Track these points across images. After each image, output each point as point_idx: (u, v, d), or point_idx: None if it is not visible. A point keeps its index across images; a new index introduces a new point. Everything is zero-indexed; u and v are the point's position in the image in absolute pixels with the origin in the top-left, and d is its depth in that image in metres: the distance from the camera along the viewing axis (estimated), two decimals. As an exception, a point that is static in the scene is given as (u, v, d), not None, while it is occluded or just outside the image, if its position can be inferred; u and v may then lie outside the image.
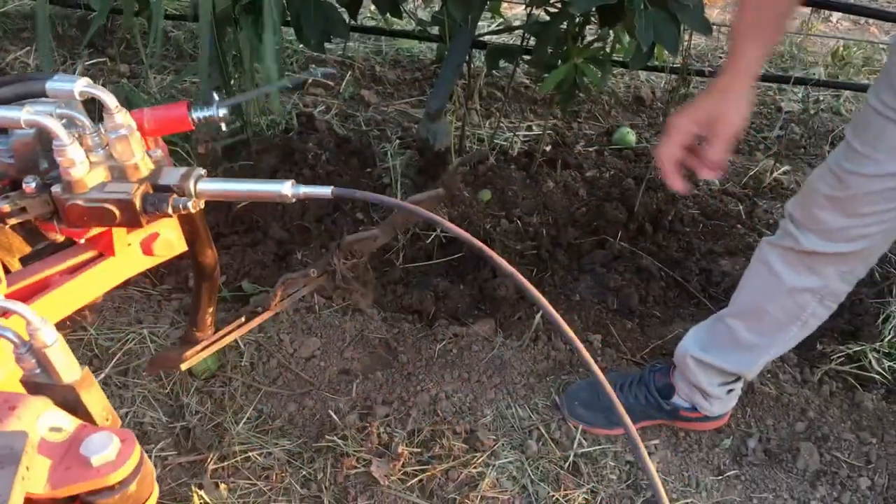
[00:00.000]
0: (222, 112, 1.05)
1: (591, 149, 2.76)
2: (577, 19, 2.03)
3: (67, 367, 0.81)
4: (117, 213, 0.90)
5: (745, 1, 1.22)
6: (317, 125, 2.68)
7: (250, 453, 1.74)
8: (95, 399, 0.86)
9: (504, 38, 2.76)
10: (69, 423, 0.80)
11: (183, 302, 2.09)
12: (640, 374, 1.85)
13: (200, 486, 1.68)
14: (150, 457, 1.74)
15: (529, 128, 2.81)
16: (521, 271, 2.12)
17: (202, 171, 0.93)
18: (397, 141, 2.65)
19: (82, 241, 1.02)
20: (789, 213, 1.50)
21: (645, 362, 2.00)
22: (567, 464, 1.76)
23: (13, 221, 0.95)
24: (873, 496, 1.74)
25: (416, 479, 1.70)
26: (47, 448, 0.77)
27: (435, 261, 2.27)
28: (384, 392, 1.88)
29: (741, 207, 2.53)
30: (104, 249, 1.01)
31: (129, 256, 1.04)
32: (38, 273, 0.99)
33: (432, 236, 2.26)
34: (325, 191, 0.86)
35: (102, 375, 1.88)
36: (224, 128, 1.09)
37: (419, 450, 1.75)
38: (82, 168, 0.88)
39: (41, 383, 0.81)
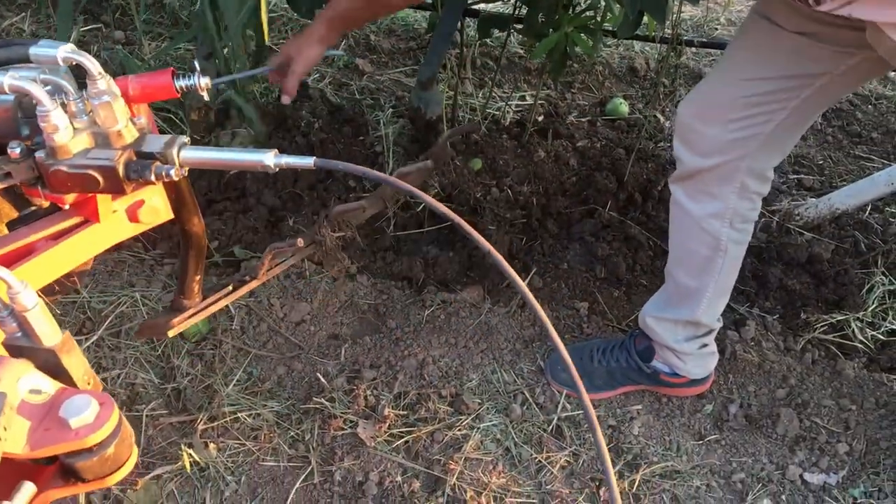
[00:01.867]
0: (204, 81, 1.06)
1: (583, 119, 2.77)
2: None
3: (48, 331, 0.82)
4: (100, 179, 0.91)
5: None
6: (310, 93, 2.68)
7: (239, 414, 1.78)
8: (76, 362, 0.87)
9: (497, 7, 2.75)
10: (49, 385, 0.82)
11: (175, 267, 2.11)
12: (623, 339, 1.88)
13: (190, 446, 1.72)
14: (140, 417, 1.78)
15: (522, 98, 2.81)
16: (510, 240, 2.15)
17: (185, 139, 0.94)
18: (390, 110, 2.66)
19: (66, 206, 1.03)
20: (674, 137, 1.58)
21: (630, 329, 2.02)
22: (550, 427, 1.79)
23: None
24: (851, 461, 1.77)
25: (401, 441, 1.74)
26: (27, 410, 0.78)
27: (426, 228, 2.29)
28: (372, 356, 1.90)
29: (731, 178, 2.54)
30: (89, 216, 1.02)
31: (114, 223, 1.05)
32: (23, 238, 1.00)
33: (423, 204, 2.28)
34: (308, 161, 0.87)
35: (95, 337, 1.91)
36: (205, 96, 1.11)
37: (405, 412, 1.78)
38: (66, 134, 0.89)
39: (23, 346, 0.82)
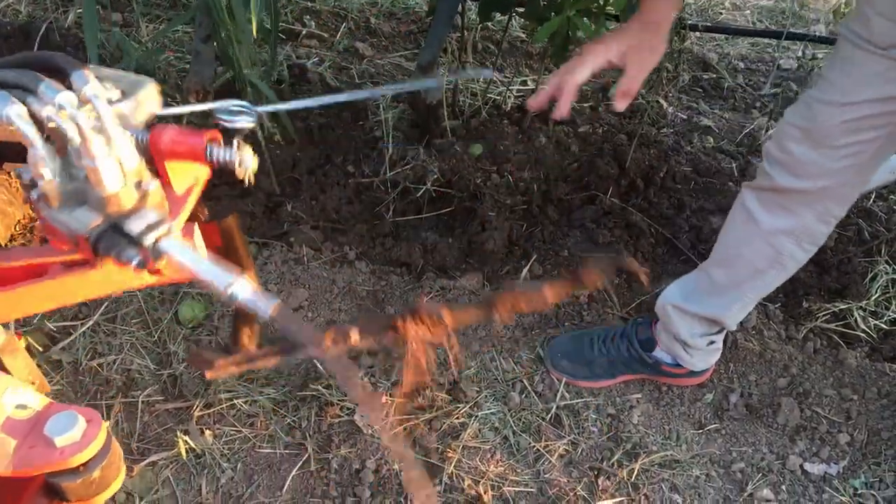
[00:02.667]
0: (246, 160, 0.88)
1: (585, 104, 2.74)
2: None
3: None
4: (72, 242, 0.82)
5: None
6: (309, 77, 2.66)
7: (236, 401, 1.76)
8: (20, 364, 0.85)
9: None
10: (36, 400, 0.79)
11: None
12: (624, 328, 1.86)
13: (186, 433, 1.71)
14: (136, 403, 1.76)
15: (524, 82, 2.78)
16: (510, 226, 2.13)
17: (171, 227, 0.81)
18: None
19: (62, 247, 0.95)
20: (765, 150, 1.50)
21: (631, 317, 2.00)
22: (549, 416, 1.78)
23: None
24: (852, 451, 1.76)
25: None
26: (11, 426, 0.76)
27: (425, 214, 2.27)
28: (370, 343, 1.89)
29: (734, 165, 2.52)
30: (90, 259, 0.88)
31: (118, 272, 0.90)
32: (39, 257, 0.92)
33: (422, 190, 2.25)
34: (266, 308, 0.74)
35: (91, 323, 1.89)
36: (243, 176, 0.90)
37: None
38: (53, 184, 0.80)
39: None
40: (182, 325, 1.90)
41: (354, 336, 1.03)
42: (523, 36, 3.05)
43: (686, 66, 2.99)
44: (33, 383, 0.88)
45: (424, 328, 1.04)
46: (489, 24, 2.90)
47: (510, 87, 2.69)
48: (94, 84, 0.79)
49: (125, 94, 0.88)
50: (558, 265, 2.13)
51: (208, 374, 1.24)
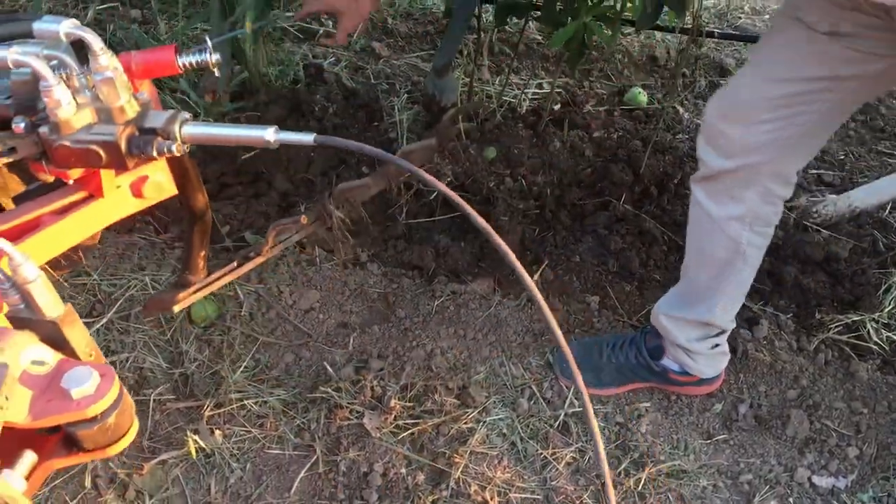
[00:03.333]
0: (215, 57, 1.04)
1: (601, 108, 2.73)
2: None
3: (50, 303, 0.83)
4: (103, 154, 0.91)
5: None
6: (325, 77, 2.67)
7: (246, 401, 1.78)
8: (78, 335, 0.88)
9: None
10: (51, 356, 0.82)
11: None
12: (633, 335, 1.86)
13: (196, 432, 1.72)
14: (148, 401, 1.78)
15: (540, 85, 2.78)
16: (522, 230, 2.13)
17: (187, 115, 0.94)
18: (406, 95, 2.63)
19: (71, 182, 1.03)
20: (698, 137, 1.53)
21: (641, 325, 2.00)
22: (557, 423, 1.78)
23: (3, 161, 0.96)
24: (861, 465, 1.75)
25: (407, 433, 1.73)
26: (29, 380, 0.79)
27: (437, 217, 2.27)
28: (380, 346, 1.90)
29: (749, 173, 2.50)
30: (93, 191, 1.01)
31: (118, 198, 1.04)
32: (29, 213, 0.99)
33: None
34: (308, 138, 0.88)
35: (105, 320, 1.91)
36: (216, 72, 1.07)
37: (411, 404, 1.78)
38: (68, 109, 0.89)
39: (26, 318, 0.83)
40: (194, 325, 1.92)
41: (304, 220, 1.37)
42: (540, 38, 3.04)
43: (703, 72, 2.98)
44: (91, 355, 0.91)
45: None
46: (506, 26, 2.90)
47: (525, 91, 2.68)
48: (69, 20, 0.91)
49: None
50: (570, 271, 2.13)
51: (175, 308, 1.36)
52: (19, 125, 0.94)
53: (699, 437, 1.80)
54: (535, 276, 2.06)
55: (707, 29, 2.69)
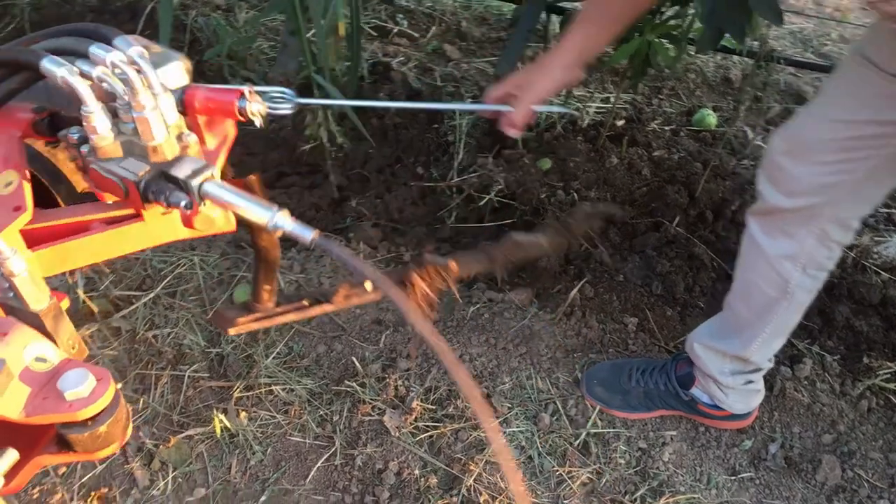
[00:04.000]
0: (285, 109, 1.02)
1: (666, 128, 2.68)
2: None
3: (34, 296, 0.84)
4: (123, 189, 0.90)
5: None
6: (392, 76, 2.70)
7: (274, 387, 1.82)
8: (61, 328, 0.90)
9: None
10: (55, 355, 0.85)
11: (237, 234, 2.17)
12: (664, 361, 1.83)
13: (224, 412, 1.78)
14: (183, 377, 1.84)
15: (606, 99, 2.75)
16: (569, 245, 2.11)
17: (213, 171, 0.89)
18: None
19: (109, 201, 1.04)
20: (758, 170, 1.49)
21: (676, 350, 1.96)
22: (577, 442, 1.76)
23: (68, 161, 1.00)
24: (892, 521, 1.68)
25: (426, 435, 1.74)
26: (29, 376, 0.81)
27: (486, 223, 2.27)
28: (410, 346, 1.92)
29: (814, 205, 2.42)
30: (138, 212, 1.00)
31: (164, 223, 1.02)
32: (81, 215, 1.01)
33: (486, 199, 2.26)
34: (308, 235, 0.82)
35: (152, 295, 1.99)
36: (258, 123, 0.99)
37: (433, 407, 1.79)
38: (105, 138, 0.89)
39: (13, 306, 0.86)
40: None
41: (369, 289, 1.21)
42: (611, 51, 3.00)
43: (779, 98, 2.89)
44: (74, 348, 0.94)
45: (429, 280, 1.22)
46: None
47: (588, 104, 2.66)
48: (137, 47, 0.88)
49: (157, 65, 0.96)
50: (611, 289, 2.10)
51: (231, 331, 1.32)
52: (73, 136, 0.94)
53: (724, 472, 1.75)
54: (573, 293, 2.04)
55: (782, 55, 2.60)
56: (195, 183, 0.87)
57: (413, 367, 1.86)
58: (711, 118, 2.69)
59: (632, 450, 1.77)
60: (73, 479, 1.68)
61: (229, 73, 2.61)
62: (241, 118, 0.95)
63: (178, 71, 0.96)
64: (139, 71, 0.86)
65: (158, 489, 1.67)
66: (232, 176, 1.06)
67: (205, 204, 0.89)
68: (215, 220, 0.99)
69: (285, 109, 1.06)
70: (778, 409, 1.85)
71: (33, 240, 0.94)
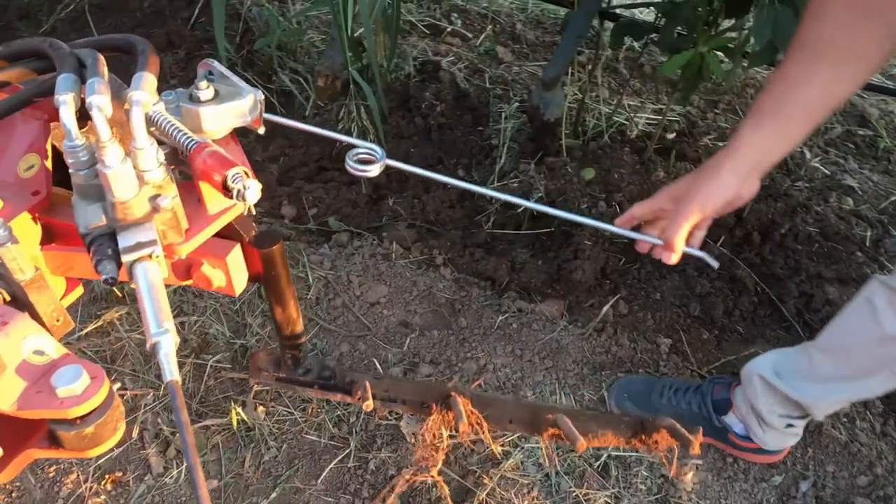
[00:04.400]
0: (252, 196, 0.82)
1: (720, 143, 2.59)
2: (713, 4, 1.89)
3: (18, 267, 0.83)
4: (78, 237, 0.84)
5: (769, 85, 1.07)
6: (440, 75, 2.67)
7: (294, 383, 1.80)
8: (45, 300, 0.89)
9: (643, 12, 2.60)
10: (53, 349, 0.84)
11: (271, 227, 2.16)
12: (700, 383, 1.76)
13: (243, 405, 1.77)
14: (205, 366, 1.84)
15: (659, 110, 2.67)
16: (606, 258, 2.05)
17: (157, 252, 0.79)
18: (517, 103, 2.59)
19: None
20: None
21: (712, 375, 1.89)
22: (598, 463, 1.71)
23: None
24: (927, 574, 1.59)
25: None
26: (26, 369, 0.80)
27: (523, 231, 2.23)
28: (435, 352, 1.88)
29: (869, 234, 2.31)
30: None
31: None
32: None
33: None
34: (170, 376, 0.72)
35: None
36: (245, 211, 0.89)
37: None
38: (78, 175, 0.82)
39: (1, 275, 0.85)
40: (263, 300, 1.97)
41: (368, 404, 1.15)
42: (661, 60, 2.92)
43: (840, 118, 2.77)
44: (58, 320, 0.92)
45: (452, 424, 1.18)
46: (635, 43, 2.80)
47: (638, 115, 2.59)
48: (148, 87, 0.81)
49: (218, 97, 0.92)
50: (646, 307, 2.03)
51: (252, 381, 1.27)
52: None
53: (749, 507, 1.68)
54: (605, 308, 1.98)
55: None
56: (129, 258, 0.77)
57: (436, 372, 1.83)
58: (767, 136, 2.58)
59: (654, 476, 1.71)
60: (89, 460, 1.69)
61: (278, 64, 2.61)
62: (225, 194, 0.82)
63: (241, 111, 0.91)
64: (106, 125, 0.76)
65: (171, 477, 1.67)
66: (252, 241, 1.01)
67: (130, 283, 0.79)
68: (213, 280, 0.95)
69: (370, 172, 1.02)
70: (812, 446, 1.76)
71: (52, 233, 0.93)
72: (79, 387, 0.79)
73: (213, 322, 1.93)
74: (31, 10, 2.87)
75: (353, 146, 1.07)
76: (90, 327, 1.90)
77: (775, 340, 1.99)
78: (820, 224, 2.29)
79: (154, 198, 0.80)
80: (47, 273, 0.94)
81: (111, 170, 0.75)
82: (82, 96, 0.83)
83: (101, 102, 0.78)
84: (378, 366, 1.83)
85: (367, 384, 1.21)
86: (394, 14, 2.26)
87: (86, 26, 2.78)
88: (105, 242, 0.79)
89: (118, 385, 0.87)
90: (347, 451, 1.71)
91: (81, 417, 0.80)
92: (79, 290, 1.05)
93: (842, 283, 2.13)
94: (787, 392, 1.56)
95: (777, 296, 2.07)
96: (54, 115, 0.97)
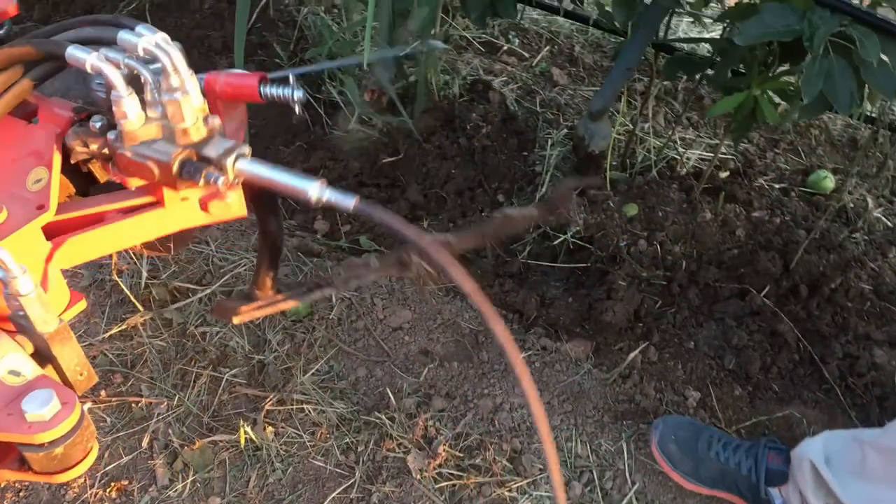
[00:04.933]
0: (297, 94, 1.01)
1: (776, 185, 2.48)
2: (772, 45, 1.79)
3: (42, 318, 0.84)
4: (156, 172, 0.92)
5: None
6: (490, 96, 2.62)
7: (306, 406, 1.78)
8: (68, 353, 0.89)
9: (700, 47, 2.50)
10: (31, 370, 0.83)
11: (303, 241, 2.15)
12: (754, 443, 1.65)
13: (253, 423, 1.75)
14: (221, 379, 1.83)
15: (713, 147, 2.57)
16: (642, 299, 1.97)
17: (245, 150, 0.93)
18: (565, 129, 2.53)
19: (132, 188, 1.05)
20: None
21: (738, 436, 1.79)
22: (608, 518, 1.64)
23: (79, 154, 1.00)
24: None
25: (448, 483, 1.66)
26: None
27: (558, 264, 2.16)
28: (451, 385, 1.83)
29: (928, 295, 2.17)
30: (158, 199, 1.04)
31: (183, 209, 1.06)
32: (96, 206, 1.03)
33: (562, 238, 2.15)
34: (349, 203, 0.85)
35: (209, 291, 1.99)
36: (296, 109, 1.04)
37: (461, 455, 1.70)
38: (134, 122, 0.91)
39: (24, 326, 0.85)
40: (285, 317, 1.95)
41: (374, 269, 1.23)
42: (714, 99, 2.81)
43: (911, 168, 2.62)
44: (81, 374, 0.92)
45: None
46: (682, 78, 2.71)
47: (693, 150, 2.49)
48: (162, 33, 0.90)
49: None
50: (678, 356, 1.95)
51: (235, 320, 1.34)
52: (96, 124, 0.97)
53: (767, 581, 1.59)
54: (636, 353, 1.90)
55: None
56: (229, 161, 0.90)
57: (449, 408, 1.78)
58: (829, 181, 2.47)
59: (667, 538, 1.63)
60: (98, 465, 1.70)
61: (327, 73, 2.60)
62: (264, 100, 0.99)
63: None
64: (169, 55, 0.88)
65: (176, 490, 1.66)
66: None
67: (239, 181, 0.93)
68: (232, 206, 1.04)
69: (298, 93, 1.06)
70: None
71: (53, 232, 0.96)
72: (48, 412, 0.78)
73: (234, 335, 1.92)
74: (95, 7, 2.92)
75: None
76: (114, 330, 1.91)
77: (813, 403, 1.89)
78: (874, 281, 2.16)
79: (205, 119, 0.93)
80: (54, 282, 0.96)
81: (180, 96, 0.89)
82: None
83: (161, 38, 0.90)
84: (391, 395, 1.79)
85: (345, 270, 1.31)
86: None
87: (145, 25, 2.82)
88: (195, 161, 0.91)
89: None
90: (352, 480, 1.67)
91: (47, 443, 0.79)
92: (81, 304, 1.04)
93: (892, 346, 2.01)
94: (836, 491, 1.46)
95: (819, 355, 1.96)
96: (66, 128, 1.00)
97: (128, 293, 1.94)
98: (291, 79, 1.02)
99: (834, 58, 1.41)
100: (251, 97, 1.01)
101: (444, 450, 1.68)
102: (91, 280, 2.02)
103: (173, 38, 0.93)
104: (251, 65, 2.70)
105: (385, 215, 0.85)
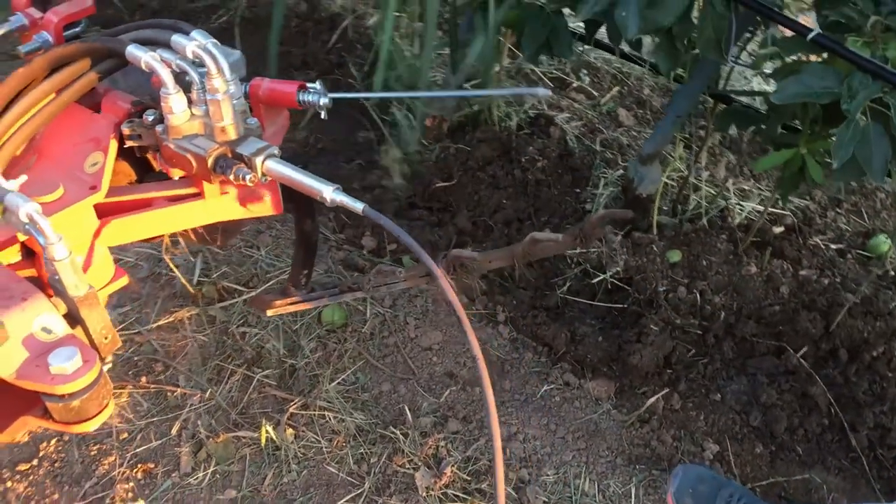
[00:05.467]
0: (324, 101, 1.12)
1: (833, 245, 2.43)
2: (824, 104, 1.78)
3: (73, 283, 0.94)
4: (194, 164, 1.04)
5: None
6: (551, 130, 2.66)
7: (328, 413, 1.85)
8: (95, 318, 0.99)
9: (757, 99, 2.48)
10: (62, 329, 0.93)
11: (349, 255, 2.23)
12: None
13: (276, 424, 1.83)
14: (253, 379, 1.92)
15: (767, 200, 2.54)
16: (674, 347, 1.97)
17: (276, 151, 1.04)
18: (620, 171, 2.54)
19: (176, 178, 1.16)
20: None
21: (757, 495, 1.77)
22: (606, 560, 1.65)
23: (131, 143, 1.12)
24: None
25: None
26: (31, 343, 0.90)
27: (596, 302, 2.18)
28: (470, 409, 1.87)
29: (977, 374, 2.09)
30: (200, 190, 1.15)
31: (222, 202, 1.17)
32: (145, 192, 1.15)
33: (601, 277, 2.17)
34: (357, 206, 0.96)
35: (254, 293, 2.09)
36: (323, 115, 1.15)
37: (468, 478, 1.74)
38: (180, 117, 1.03)
39: (59, 289, 0.95)
40: (321, 325, 2.03)
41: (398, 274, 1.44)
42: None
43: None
44: (106, 338, 1.02)
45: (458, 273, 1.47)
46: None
47: (746, 200, 2.47)
48: (212, 39, 1.02)
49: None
50: (701, 406, 1.93)
51: (269, 312, 1.49)
52: (149, 117, 1.09)
53: None
54: (657, 397, 1.90)
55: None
56: (259, 160, 1.01)
57: (463, 431, 1.82)
58: (884, 246, 2.40)
59: (663, 587, 1.62)
60: (129, 446, 1.81)
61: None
62: (300, 106, 1.11)
63: (239, 63, 1.09)
64: (214, 59, 0.99)
65: (196, 479, 1.75)
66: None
67: (265, 179, 1.03)
68: (267, 203, 1.16)
69: (325, 100, 1.16)
70: None
71: (105, 212, 1.08)
72: (70, 367, 0.88)
73: (270, 337, 2.01)
74: (191, 17, 3.10)
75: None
76: (162, 321, 2.03)
77: (836, 471, 1.84)
78: (921, 353, 2.09)
79: (244, 120, 1.06)
80: (99, 257, 1.07)
81: (221, 97, 1.00)
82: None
83: (210, 43, 1.01)
84: (408, 413, 1.84)
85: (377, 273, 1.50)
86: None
87: (231, 39, 2.98)
88: (228, 158, 1.02)
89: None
90: (361, 490, 1.73)
91: (67, 394, 0.88)
92: (123, 280, 1.15)
93: (930, 422, 1.94)
94: None
95: (850, 422, 1.92)
96: (123, 119, 1.11)
97: (183, 283, 2.05)
98: (319, 86, 1.13)
99: (871, 124, 1.40)
100: (290, 103, 1.13)
101: (451, 471, 1.72)
102: (148, 272, 2.14)
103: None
104: (326, 82, 2.81)
105: (389, 223, 0.95)
